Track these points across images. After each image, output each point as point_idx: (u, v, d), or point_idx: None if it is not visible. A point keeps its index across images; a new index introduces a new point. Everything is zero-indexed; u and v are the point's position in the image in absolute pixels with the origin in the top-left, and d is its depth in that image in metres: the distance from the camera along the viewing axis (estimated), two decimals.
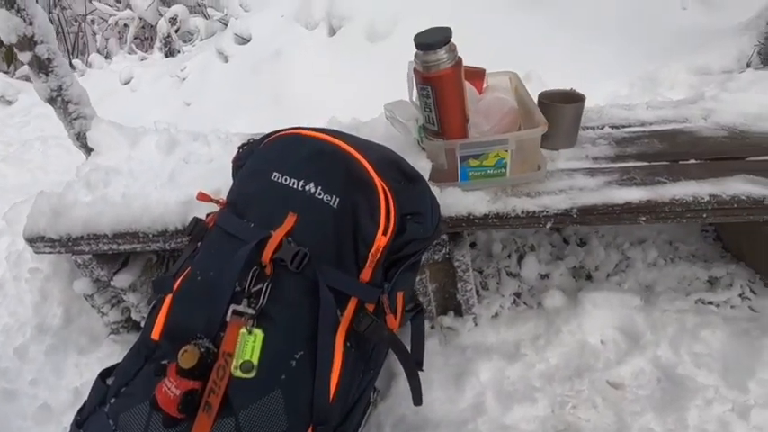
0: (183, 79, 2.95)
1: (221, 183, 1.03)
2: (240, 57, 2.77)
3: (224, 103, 2.49)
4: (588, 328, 1.16)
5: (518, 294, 1.30)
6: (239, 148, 0.89)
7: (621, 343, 1.14)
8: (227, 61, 2.85)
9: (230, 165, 0.92)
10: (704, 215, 0.95)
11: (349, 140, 0.78)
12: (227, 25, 3.13)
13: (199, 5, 4.05)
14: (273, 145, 0.80)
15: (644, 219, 0.97)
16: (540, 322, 1.20)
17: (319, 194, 0.72)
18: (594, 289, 1.23)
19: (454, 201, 0.96)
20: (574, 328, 1.17)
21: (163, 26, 3.58)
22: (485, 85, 1.19)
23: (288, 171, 0.74)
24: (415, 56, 0.85)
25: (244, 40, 2.87)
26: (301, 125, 0.86)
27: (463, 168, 0.97)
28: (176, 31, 3.67)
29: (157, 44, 3.79)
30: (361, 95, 2.06)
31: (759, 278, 1.23)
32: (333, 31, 2.57)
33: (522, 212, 0.96)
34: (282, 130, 0.82)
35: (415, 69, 0.87)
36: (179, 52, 3.56)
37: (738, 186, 0.95)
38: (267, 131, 0.85)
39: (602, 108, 1.33)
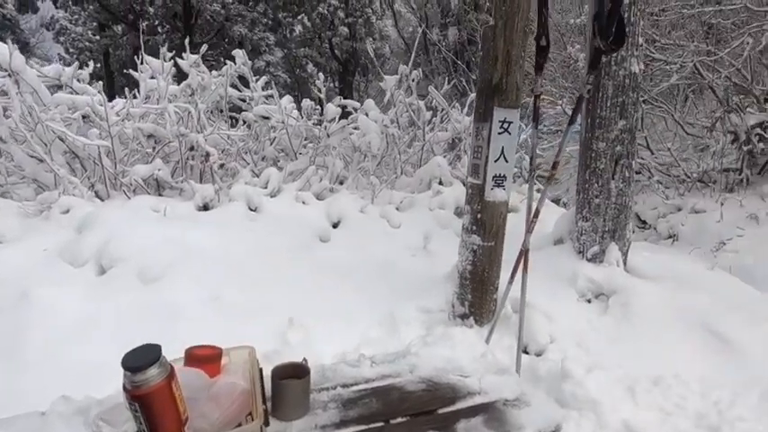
0: None
1: None
2: None
3: None
4: None
5: None
6: None
7: None
8: None
9: None
10: None
11: None
12: None
13: None
14: None
15: None
16: None
17: None
18: None
19: None
20: None
21: None
22: (223, 362, 1.28)
23: None
24: (124, 375, 0.90)
25: None
26: None
27: None
28: None
29: None
30: (121, 345, 1.94)
31: None
32: (102, 271, 2.50)
33: None
34: None
35: (124, 386, 0.91)
36: None
37: None
38: None
39: (337, 367, 1.55)
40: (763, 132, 4.68)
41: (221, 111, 4.77)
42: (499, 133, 2.20)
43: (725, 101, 5.22)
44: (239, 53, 4.88)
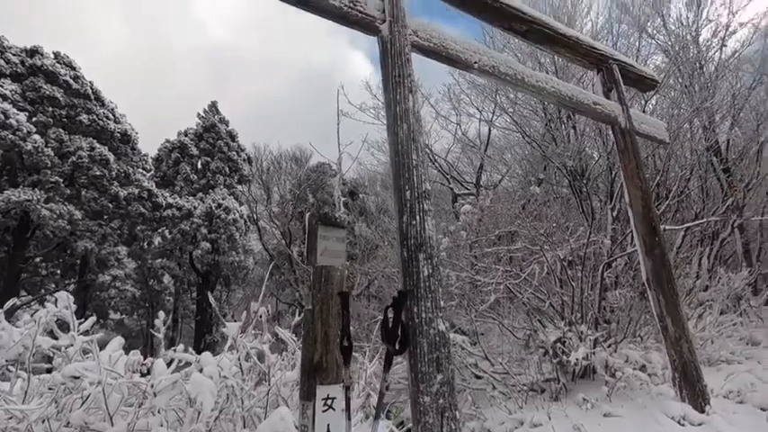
0: None
1: None
2: None
3: None
4: None
5: None
6: None
7: None
8: None
9: None
10: None
11: None
12: None
13: None
14: None
15: None
16: None
17: None
18: None
19: None
20: None
21: None
22: None
23: None
24: None
25: None
26: None
27: None
28: None
29: None
30: None
31: None
32: None
33: None
34: None
35: None
36: None
37: None
38: None
39: None
40: (563, 346, 5.61)
41: (23, 365, 4.00)
42: (323, 411, 2.21)
43: (531, 319, 6.29)
44: (63, 296, 4.45)
